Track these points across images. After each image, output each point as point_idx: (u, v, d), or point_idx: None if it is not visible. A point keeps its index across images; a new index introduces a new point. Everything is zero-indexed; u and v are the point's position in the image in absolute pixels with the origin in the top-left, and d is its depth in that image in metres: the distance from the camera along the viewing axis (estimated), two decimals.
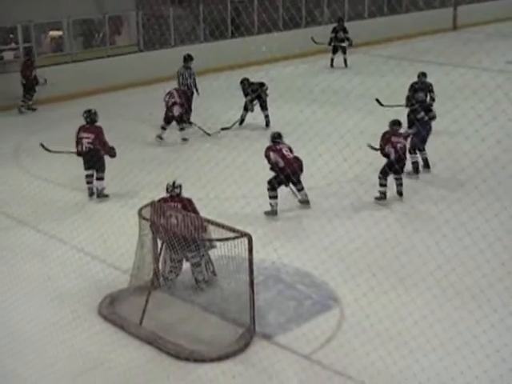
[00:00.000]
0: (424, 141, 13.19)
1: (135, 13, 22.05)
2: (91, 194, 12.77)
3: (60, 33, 21.04)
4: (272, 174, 11.64)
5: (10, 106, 18.54)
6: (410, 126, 13.17)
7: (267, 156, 11.66)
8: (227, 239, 8.41)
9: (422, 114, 13.19)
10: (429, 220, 10.34)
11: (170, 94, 15.59)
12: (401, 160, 12.08)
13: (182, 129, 15.69)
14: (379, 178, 12.07)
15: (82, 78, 18.39)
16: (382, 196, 12.10)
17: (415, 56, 23.56)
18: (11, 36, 20.14)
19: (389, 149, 12.05)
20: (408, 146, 13.01)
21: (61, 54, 20.38)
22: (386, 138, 12.14)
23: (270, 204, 11.69)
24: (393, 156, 11.98)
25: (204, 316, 8.65)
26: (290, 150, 11.75)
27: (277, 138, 11.86)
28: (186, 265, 9.30)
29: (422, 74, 15.55)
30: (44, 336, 8.26)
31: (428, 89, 15.27)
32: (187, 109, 16.05)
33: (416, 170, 13.17)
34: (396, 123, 12.32)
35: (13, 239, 10.80)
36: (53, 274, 9.47)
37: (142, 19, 21.97)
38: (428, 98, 15.01)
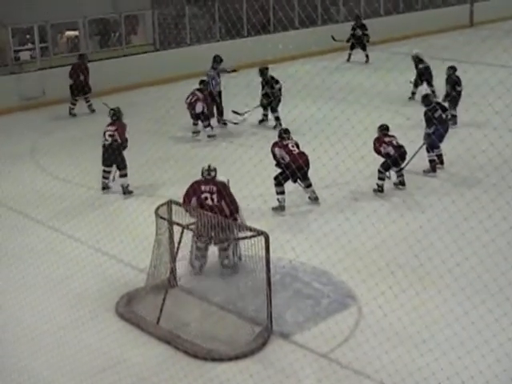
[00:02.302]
0: (441, 139, 13.14)
1: (151, 12, 22.07)
2: (104, 188, 12.97)
3: (76, 33, 21.11)
4: (279, 170, 11.72)
5: (26, 105, 18.61)
6: (427, 125, 13.10)
7: (272, 151, 11.71)
8: (244, 238, 8.41)
9: (440, 112, 13.15)
10: (447, 218, 10.26)
11: (192, 94, 15.71)
12: (402, 154, 12.26)
13: (206, 126, 15.76)
14: (379, 171, 12.28)
15: (98, 78, 18.40)
16: (380, 189, 12.30)
17: (433, 53, 23.42)
18: (27, 36, 20.22)
19: (386, 148, 12.16)
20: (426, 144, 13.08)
21: (77, 53, 20.37)
22: (379, 142, 12.33)
23: (278, 199, 11.78)
24: (393, 152, 12.07)
25: (221, 315, 8.63)
26: (297, 146, 11.79)
27: (284, 133, 11.93)
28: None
29: (450, 68, 15.59)
30: (62, 335, 8.27)
31: (453, 83, 15.34)
32: (212, 108, 16.02)
33: (433, 168, 13.12)
34: (384, 128, 12.50)
35: (30, 238, 10.82)
36: (70, 274, 9.50)
37: (158, 18, 21.99)
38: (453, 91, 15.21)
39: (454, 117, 15.32)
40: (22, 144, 15.98)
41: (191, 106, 15.54)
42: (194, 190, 9.50)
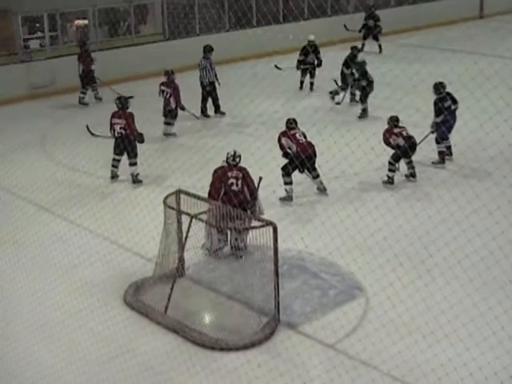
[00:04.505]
0: (450, 130, 13.09)
1: (160, 1, 22.03)
2: (113, 176, 13.01)
3: (86, 22, 21.12)
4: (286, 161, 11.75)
5: (36, 94, 18.62)
6: (436, 114, 13.06)
7: (279, 141, 11.70)
8: (253, 228, 8.40)
9: (450, 102, 13.09)
10: (456, 210, 10.25)
11: (161, 91, 15.38)
12: (412, 145, 12.20)
13: (171, 123, 15.50)
14: (390, 163, 12.27)
15: (108, 67, 18.40)
16: (390, 180, 12.29)
17: (443, 45, 23.39)
18: (37, 25, 20.24)
19: (396, 139, 12.14)
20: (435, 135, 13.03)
21: (87, 42, 20.38)
22: (388, 133, 12.30)
23: (286, 190, 11.79)
24: (403, 143, 12.04)
25: (229, 304, 8.64)
26: (304, 136, 11.77)
27: (291, 123, 11.89)
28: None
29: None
30: (71, 323, 8.31)
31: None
32: (179, 99, 15.47)
33: (443, 159, 13.08)
34: (394, 119, 12.43)
35: (40, 227, 10.85)
36: (79, 262, 9.52)
37: (168, 8, 21.96)
38: None
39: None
40: (32, 133, 16.01)
41: (167, 102, 15.27)
42: (220, 182, 9.69)
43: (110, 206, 11.65)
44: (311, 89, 18.69)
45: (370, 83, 15.92)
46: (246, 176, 9.79)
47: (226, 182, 9.68)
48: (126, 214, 11.01)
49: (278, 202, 11.66)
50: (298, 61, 18.41)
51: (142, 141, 12.69)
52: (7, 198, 12.35)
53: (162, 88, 15.37)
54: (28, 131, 16.12)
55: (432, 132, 13.05)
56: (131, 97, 15.30)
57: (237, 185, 9.70)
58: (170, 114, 15.39)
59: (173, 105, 15.26)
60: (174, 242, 9.03)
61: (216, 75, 16.64)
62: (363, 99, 16.20)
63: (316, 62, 18.35)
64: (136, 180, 12.75)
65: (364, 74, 16.23)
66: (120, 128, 12.61)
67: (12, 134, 15.89)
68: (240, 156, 9.93)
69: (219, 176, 9.75)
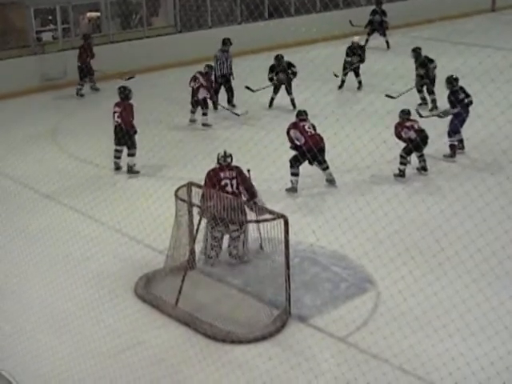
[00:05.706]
0: (463, 124, 13.04)
1: None
2: (117, 168, 13.08)
3: (98, 14, 21.12)
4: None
5: (47, 86, 18.65)
6: (451, 106, 13.02)
7: (288, 133, 11.67)
8: (264, 221, 8.39)
9: (463, 96, 13.04)
10: (468, 203, 10.21)
11: (194, 78, 15.50)
12: (423, 139, 12.10)
13: (204, 114, 15.55)
14: (401, 156, 12.22)
15: (120, 59, 18.41)
16: (402, 174, 12.26)
17: (456, 38, 23.25)
18: (50, 17, 20.27)
19: (408, 132, 12.08)
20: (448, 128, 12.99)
21: (99, 34, 20.44)
22: (400, 126, 12.23)
23: (291, 181, 11.80)
24: (414, 136, 11.99)
25: (240, 297, 8.64)
26: (313, 128, 11.72)
27: (302, 115, 11.88)
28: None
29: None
30: (82, 315, 8.33)
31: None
32: (212, 93, 15.84)
33: (454, 153, 13.04)
34: (406, 112, 12.37)
35: (51, 218, 10.87)
36: (90, 254, 9.52)
37: (180, 0, 21.91)
38: None
39: None
40: (44, 124, 16.05)
41: (195, 92, 15.38)
42: (212, 183, 9.20)
43: (123, 197, 11.62)
44: (359, 88, 18.25)
45: (295, 74, 16.36)
46: (239, 175, 9.37)
47: (219, 182, 9.21)
48: (137, 205, 10.99)
49: (291, 194, 11.65)
50: (346, 61, 18.18)
51: (135, 131, 12.76)
52: (19, 190, 12.38)
53: (197, 75, 15.47)
54: (40, 123, 16.15)
55: (440, 116, 13.01)
56: (132, 77, 15.42)
57: (231, 185, 9.25)
58: (204, 104, 15.47)
59: (200, 95, 15.30)
60: (185, 235, 9.04)
61: (231, 68, 16.65)
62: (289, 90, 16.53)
63: (359, 59, 18.07)
64: (132, 171, 12.78)
65: (289, 65, 16.41)
66: (117, 117, 12.74)
67: (24, 126, 15.92)
68: (231, 156, 9.53)
69: (211, 177, 9.27)
